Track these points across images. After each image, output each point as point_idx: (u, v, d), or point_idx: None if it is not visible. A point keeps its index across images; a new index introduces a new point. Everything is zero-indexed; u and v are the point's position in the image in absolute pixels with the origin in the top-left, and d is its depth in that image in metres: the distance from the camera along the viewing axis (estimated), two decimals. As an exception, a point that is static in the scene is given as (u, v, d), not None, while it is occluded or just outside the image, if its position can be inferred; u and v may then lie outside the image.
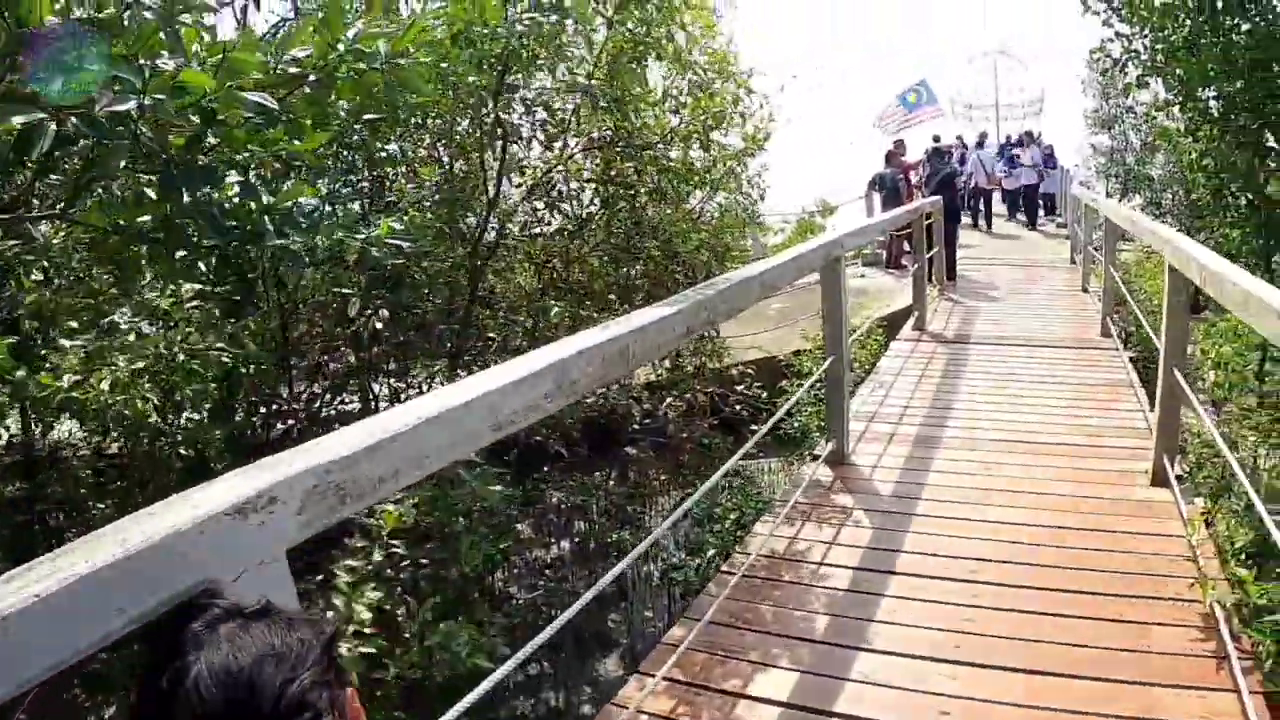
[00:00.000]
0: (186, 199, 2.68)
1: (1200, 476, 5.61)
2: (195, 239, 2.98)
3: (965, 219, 17.83)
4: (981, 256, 15.06)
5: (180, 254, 3.10)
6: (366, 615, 3.79)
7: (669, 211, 6.68)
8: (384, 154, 5.61)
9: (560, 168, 6.13)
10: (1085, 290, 11.12)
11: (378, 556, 3.97)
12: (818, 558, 4.21)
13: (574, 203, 6.61)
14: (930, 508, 4.68)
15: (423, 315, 5.98)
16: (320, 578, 3.78)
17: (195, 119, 2.50)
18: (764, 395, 7.73)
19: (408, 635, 3.89)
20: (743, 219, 7.94)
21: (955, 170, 13.06)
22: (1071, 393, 6.64)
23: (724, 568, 4.22)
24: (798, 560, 4.21)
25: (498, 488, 4.61)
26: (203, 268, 3.52)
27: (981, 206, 20.21)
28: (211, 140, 2.72)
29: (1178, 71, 9.47)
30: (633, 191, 6.38)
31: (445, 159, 6.17)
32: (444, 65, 4.66)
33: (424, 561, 4.42)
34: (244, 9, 8.65)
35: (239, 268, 3.96)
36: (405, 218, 5.79)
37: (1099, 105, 23.17)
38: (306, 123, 3.16)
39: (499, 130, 5.54)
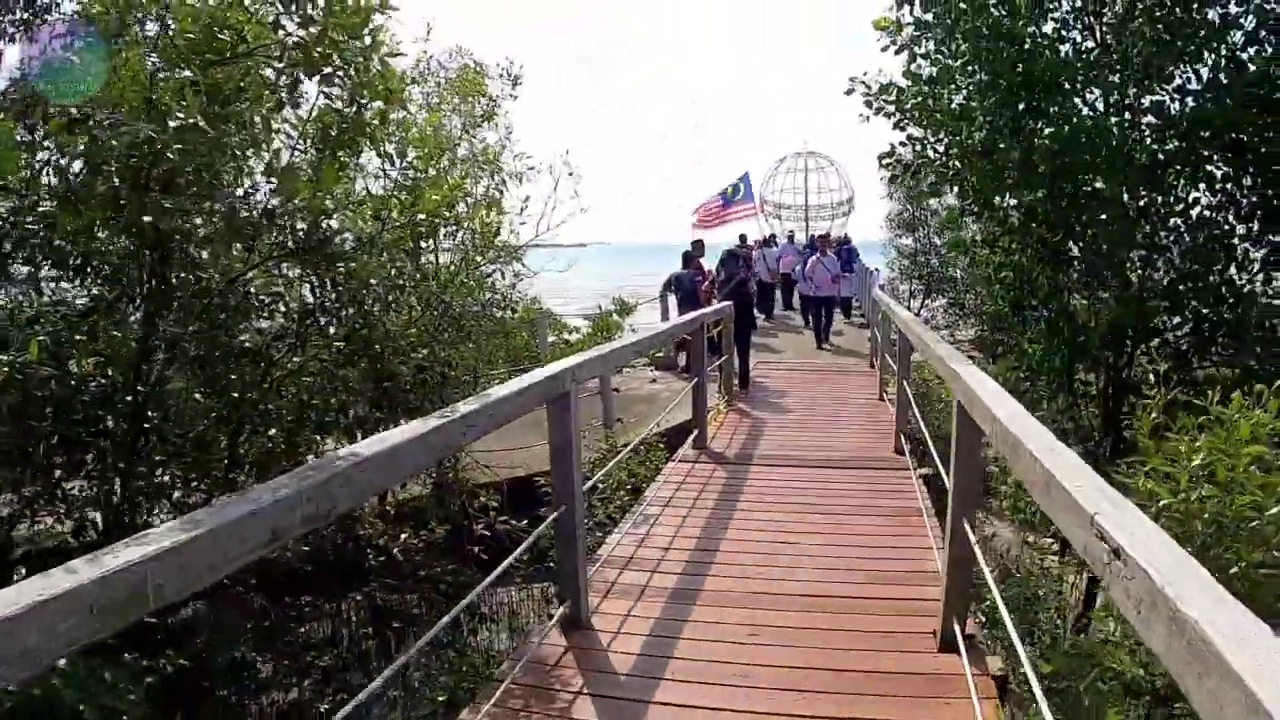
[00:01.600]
0: None
1: (997, 631, 4.94)
2: None
3: (761, 320, 18.71)
4: (781, 361, 14.69)
5: None
6: None
7: (390, 325, 5.55)
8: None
9: (245, 279, 4.93)
10: (883, 398, 10.68)
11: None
12: (525, 766, 3.23)
13: (274, 317, 5.35)
14: (676, 691, 3.68)
15: (94, 441, 4.78)
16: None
17: None
18: (524, 523, 6.73)
19: None
20: (483, 326, 6.97)
21: (749, 275, 12.70)
22: (858, 525, 5.87)
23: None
24: (499, 770, 3.22)
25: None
26: None
27: (768, 299, 21.35)
28: None
29: (973, 179, 9.17)
30: (339, 304, 5.28)
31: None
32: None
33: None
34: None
35: None
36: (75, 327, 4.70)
37: (903, 208, 23.91)
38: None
39: (153, 233, 4.35)
